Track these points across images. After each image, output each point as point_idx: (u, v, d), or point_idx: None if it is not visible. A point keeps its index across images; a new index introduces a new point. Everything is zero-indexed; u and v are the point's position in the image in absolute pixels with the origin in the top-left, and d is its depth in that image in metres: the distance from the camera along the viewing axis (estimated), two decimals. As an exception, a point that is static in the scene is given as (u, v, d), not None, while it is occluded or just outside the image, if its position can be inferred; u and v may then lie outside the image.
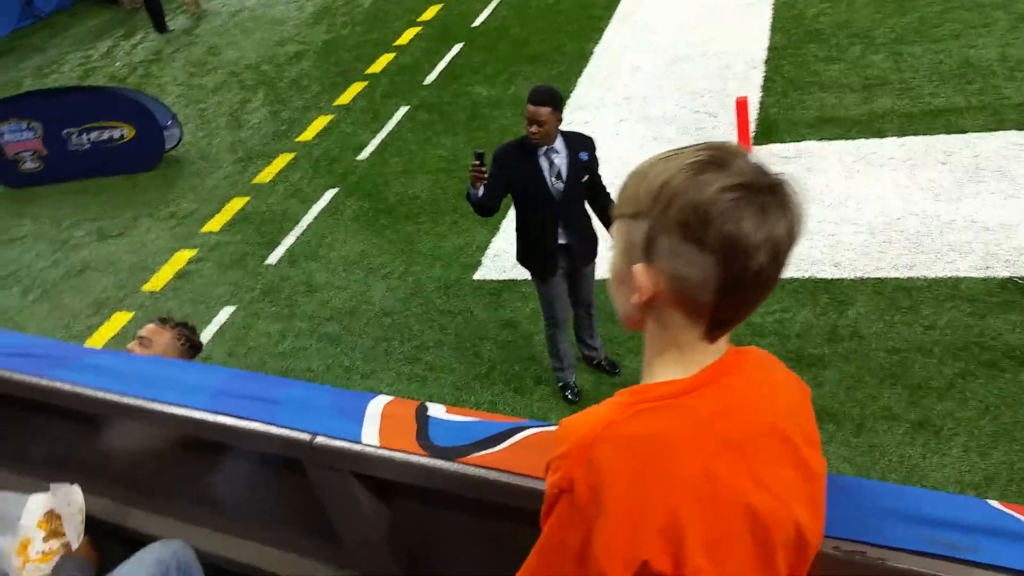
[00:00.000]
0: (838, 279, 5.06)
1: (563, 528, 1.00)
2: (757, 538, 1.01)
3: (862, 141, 6.35)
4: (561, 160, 4.03)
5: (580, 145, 4.08)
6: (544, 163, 4.02)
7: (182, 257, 6.84)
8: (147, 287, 6.50)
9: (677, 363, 1.03)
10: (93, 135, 8.64)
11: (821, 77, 7.30)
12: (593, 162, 4.11)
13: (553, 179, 4.04)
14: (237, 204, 7.53)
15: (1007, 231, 5.16)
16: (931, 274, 4.96)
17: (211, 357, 5.48)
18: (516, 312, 5.23)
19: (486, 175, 3.93)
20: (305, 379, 4.62)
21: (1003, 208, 5.34)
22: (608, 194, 4.20)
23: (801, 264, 5.22)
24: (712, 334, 1.01)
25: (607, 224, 4.25)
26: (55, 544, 1.93)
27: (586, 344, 4.67)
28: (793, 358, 4.51)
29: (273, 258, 6.53)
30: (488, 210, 4.07)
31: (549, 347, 4.55)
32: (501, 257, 5.90)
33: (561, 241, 4.16)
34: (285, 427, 1.64)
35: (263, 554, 1.95)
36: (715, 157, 0.96)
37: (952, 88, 6.70)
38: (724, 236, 0.93)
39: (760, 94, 7.25)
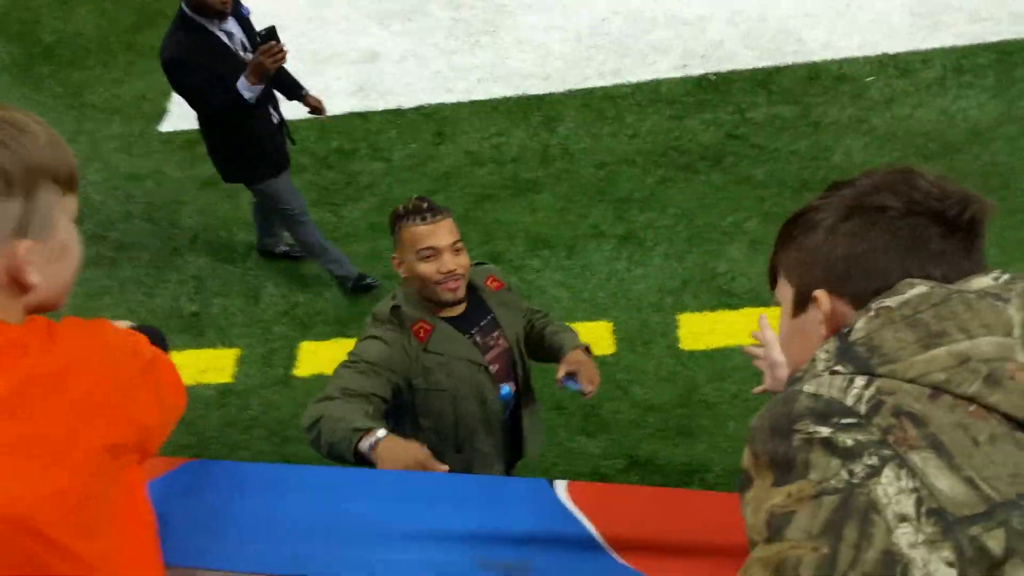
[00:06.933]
0: (549, 93, 4.97)
1: None
2: None
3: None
4: (233, 26, 3.34)
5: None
6: (224, 37, 3.31)
7: None
8: None
9: None
10: None
11: None
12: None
13: (242, 51, 3.35)
14: None
15: (703, 24, 5.25)
16: (634, 79, 5.00)
17: None
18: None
19: (283, 54, 3.15)
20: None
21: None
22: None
23: (512, 80, 5.06)
24: None
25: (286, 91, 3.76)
26: None
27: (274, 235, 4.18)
28: (511, 185, 4.46)
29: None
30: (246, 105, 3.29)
31: (313, 250, 3.87)
32: (191, 102, 5.20)
33: (275, 120, 3.58)
34: None
35: None
36: None
37: None
38: None
39: None
